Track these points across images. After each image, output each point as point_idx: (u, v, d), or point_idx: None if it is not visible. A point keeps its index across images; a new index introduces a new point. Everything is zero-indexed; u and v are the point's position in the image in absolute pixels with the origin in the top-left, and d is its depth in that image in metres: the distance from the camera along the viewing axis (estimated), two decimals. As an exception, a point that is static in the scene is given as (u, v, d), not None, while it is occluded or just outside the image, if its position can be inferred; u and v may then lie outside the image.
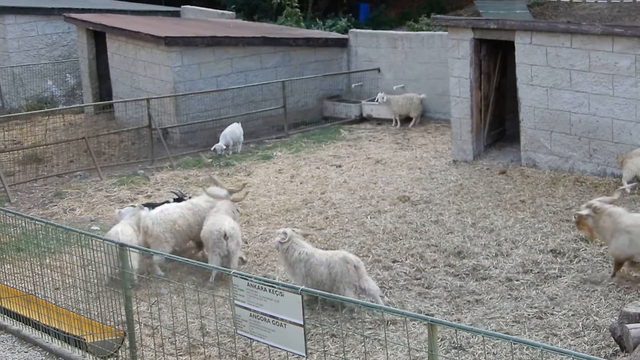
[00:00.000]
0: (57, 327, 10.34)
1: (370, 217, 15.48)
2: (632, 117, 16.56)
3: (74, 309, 10.79)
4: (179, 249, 13.76)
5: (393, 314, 10.89)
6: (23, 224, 11.33)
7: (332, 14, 40.66)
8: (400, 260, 13.32)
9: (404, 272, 12.84)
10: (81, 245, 10.12)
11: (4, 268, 12.10)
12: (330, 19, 36.76)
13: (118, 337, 9.93)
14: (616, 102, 16.76)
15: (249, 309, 8.16)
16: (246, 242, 14.52)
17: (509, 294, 11.84)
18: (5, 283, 11.81)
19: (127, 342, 9.79)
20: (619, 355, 9.53)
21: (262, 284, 8.07)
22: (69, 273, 11.08)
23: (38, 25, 29.29)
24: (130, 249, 9.77)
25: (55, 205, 17.57)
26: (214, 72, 23.21)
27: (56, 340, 10.37)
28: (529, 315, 11.11)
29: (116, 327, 9.98)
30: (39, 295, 11.07)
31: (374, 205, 16.28)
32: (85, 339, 9.92)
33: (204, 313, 11.49)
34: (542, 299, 11.58)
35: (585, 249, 13.22)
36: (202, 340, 10.63)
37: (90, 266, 10.26)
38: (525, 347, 9.97)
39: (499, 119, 20.03)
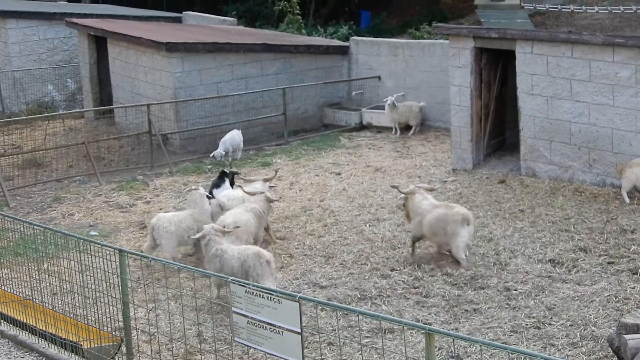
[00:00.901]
0: (54, 332, 10.33)
1: (369, 225, 15.48)
2: (632, 128, 16.56)
3: (71, 315, 10.77)
4: None
5: (391, 322, 10.87)
6: (21, 228, 11.33)
7: (334, 22, 40.68)
8: (398, 268, 13.31)
9: (402, 281, 12.82)
10: (79, 250, 10.10)
11: (2, 273, 12.07)
12: (331, 27, 36.77)
13: (115, 343, 9.92)
14: (616, 112, 16.76)
15: (247, 316, 8.15)
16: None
17: (507, 304, 11.82)
18: (3, 288, 11.80)
19: (123, 349, 9.78)
20: (616, 366, 9.52)
21: (260, 291, 8.06)
22: (67, 278, 11.06)
23: (39, 30, 29.32)
24: (128, 253, 9.77)
25: (54, 210, 17.57)
26: (215, 78, 23.22)
27: (53, 346, 10.35)
28: (526, 325, 11.09)
29: (113, 333, 9.97)
30: (37, 300, 11.05)
31: (373, 213, 16.28)
32: (82, 345, 9.90)
33: (202, 320, 11.48)
34: (540, 308, 11.56)
35: (584, 259, 13.21)
36: (199, 347, 10.62)
37: (88, 271, 10.24)
38: (522, 357, 9.92)
39: (499, 128, 20.03)
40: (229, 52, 23.49)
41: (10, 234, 11.78)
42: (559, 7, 41.47)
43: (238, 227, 13.42)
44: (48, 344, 10.39)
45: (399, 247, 14.23)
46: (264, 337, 8.01)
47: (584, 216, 15.32)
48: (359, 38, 27.47)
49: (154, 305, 11.75)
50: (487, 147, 19.57)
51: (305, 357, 7.83)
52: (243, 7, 44.35)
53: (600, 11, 40.08)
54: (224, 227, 12.95)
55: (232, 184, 16.42)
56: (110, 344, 9.89)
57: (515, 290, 12.26)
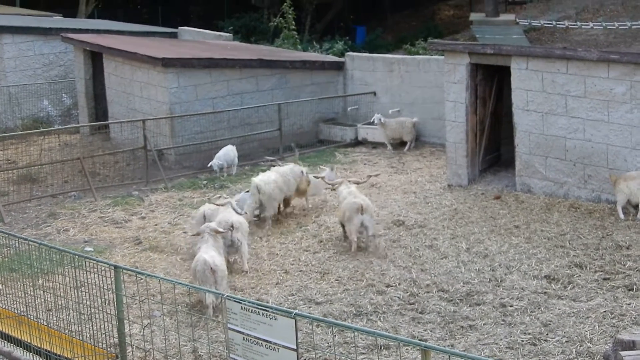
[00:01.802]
0: (48, 349, 10.28)
1: (365, 241, 15.46)
2: (627, 144, 16.59)
3: (66, 331, 10.73)
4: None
5: (386, 339, 10.84)
6: (16, 244, 11.29)
7: (329, 37, 40.80)
8: (393, 284, 13.30)
9: (398, 297, 12.81)
10: (74, 266, 10.08)
11: (-3, 288, 12.05)
12: (327, 42, 36.90)
13: (110, 359, 9.88)
14: (611, 128, 16.79)
15: (242, 333, 8.14)
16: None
17: (503, 320, 11.81)
18: (-2, 304, 11.76)
19: (119, 365, 9.75)
20: (612, 383, 9.50)
21: (256, 307, 8.05)
22: (62, 294, 11.03)
23: (35, 45, 29.31)
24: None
25: (49, 226, 17.53)
26: (210, 93, 23.23)
27: (48, 362, 10.31)
28: (522, 341, 11.08)
29: (108, 349, 9.93)
30: (31, 316, 11.01)
31: (369, 229, 16.27)
32: (76, 361, 9.86)
33: (197, 336, 11.45)
34: (535, 325, 11.55)
35: (580, 275, 13.23)
36: (194, 363, 10.59)
37: (83, 287, 10.22)
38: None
39: (494, 144, 20.04)
40: (224, 68, 23.51)
41: (5, 249, 11.75)
42: (554, 23, 41.63)
43: (232, 228, 14.04)
44: (43, 361, 10.35)
45: (394, 263, 14.22)
46: (259, 354, 7.99)
47: (579, 232, 15.33)
48: (355, 54, 27.54)
49: (149, 321, 11.72)
50: (483, 162, 19.58)
51: (300, 374, 7.82)
52: (239, 23, 44.49)
53: (594, 27, 40.24)
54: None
55: None
56: (105, 360, 9.86)
57: (511, 306, 12.25)
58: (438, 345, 10.57)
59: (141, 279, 12.49)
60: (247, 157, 22.68)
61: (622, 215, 15.83)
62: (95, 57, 26.62)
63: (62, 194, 19.96)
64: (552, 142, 17.69)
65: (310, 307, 12.61)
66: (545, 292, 12.68)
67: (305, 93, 24.97)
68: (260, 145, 23.69)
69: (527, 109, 18.01)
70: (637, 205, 15.83)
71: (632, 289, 12.57)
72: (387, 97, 24.79)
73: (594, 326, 11.35)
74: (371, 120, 23.50)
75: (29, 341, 10.59)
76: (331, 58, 27.96)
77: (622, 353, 9.15)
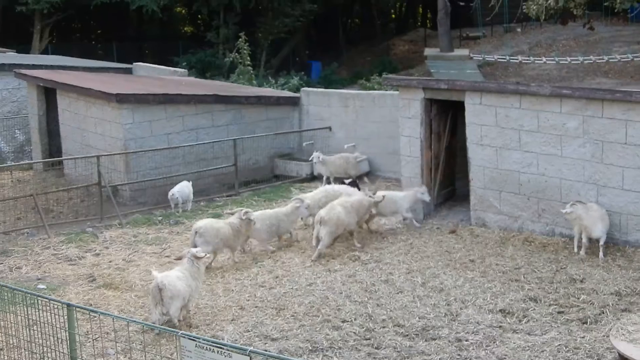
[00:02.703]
0: (-1, 389, 10.13)
1: (321, 277, 15.42)
2: (580, 178, 16.75)
3: (18, 370, 10.59)
4: None
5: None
6: (-33, 283, 11.14)
7: (285, 72, 40.95)
8: (349, 320, 13.26)
9: (354, 332, 12.77)
10: (27, 304, 9.96)
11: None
12: (282, 78, 37.06)
13: (62, 399, 9.76)
14: (564, 162, 16.95)
15: (196, 371, 8.06)
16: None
17: (459, 354, 11.81)
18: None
19: (71, 405, 9.62)
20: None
21: (210, 345, 7.99)
22: (14, 333, 10.88)
23: (-12, 81, 29.14)
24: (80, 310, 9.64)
25: (1, 264, 17.29)
26: (166, 129, 23.16)
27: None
28: (478, 375, 11.08)
29: (60, 389, 9.80)
30: (-18, 356, 10.86)
31: (324, 264, 16.24)
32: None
33: (151, 374, 11.34)
34: (491, 359, 11.57)
35: (534, 309, 13.28)
36: (148, 402, 10.47)
37: (35, 326, 10.09)
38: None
39: (449, 179, 20.16)
40: (179, 103, 23.46)
41: (-44, 288, 11.58)
42: (508, 58, 42.10)
43: (207, 256, 14.56)
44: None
45: (350, 298, 14.18)
46: (214, 392, 7.93)
47: (533, 266, 15.43)
48: (310, 89, 27.60)
49: (102, 359, 11.58)
50: (438, 197, 19.67)
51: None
52: (194, 58, 44.58)
53: (547, 62, 40.73)
54: None
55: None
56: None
57: (466, 340, 12.26)
58: (394, 380, 10.54)
59: (95, 317, 12.37)
60: (202, 193, 22.60)
61: (576, 249, 15.98)
62: (48, 93, 26.48)
63: (14, 231, 19.72)
64: (506, 177, 17.83)
65: (266, 344, 12.53)
66: (500, 326, 12.72)
67: (261, 128, 24.97)
68: (215, 180, 23.61)
69: (481, 144, 18.15)
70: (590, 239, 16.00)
71: (586, 322, 12.65)
72: (342, 132, 24.85)
73: (549, 360, 11.41)
74: (310, 159, 23.44)
75: (-21, 381, 10.44)
76: (286, 93, 28.03)
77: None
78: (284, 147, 25.50)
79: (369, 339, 12.55)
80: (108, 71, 31.77)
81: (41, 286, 15.48)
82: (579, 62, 39.49)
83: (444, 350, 11.98)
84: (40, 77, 26.34)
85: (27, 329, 10.22)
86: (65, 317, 9.39)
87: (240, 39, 34.16)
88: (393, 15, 66.57)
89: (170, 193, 20.93)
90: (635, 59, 36.55)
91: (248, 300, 14.47)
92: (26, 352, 10.59)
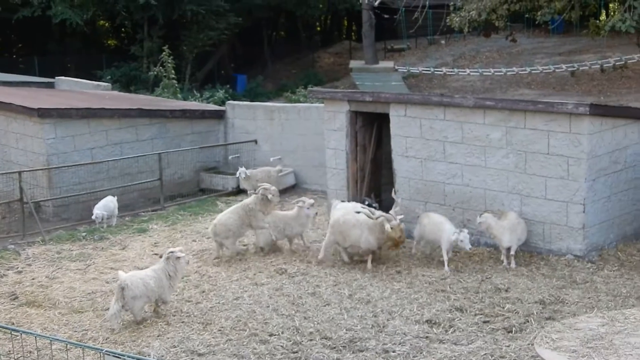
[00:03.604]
0: None
1: (247, 290, 15.34)
2: (504, 188, 16.93)
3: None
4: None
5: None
6: None
7: (210, 86, 40.81)
8: (277, 333, 13.19)
9: (281, 346, 12.70)
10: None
11: None
12: (207, 91, 36.94)
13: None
14: (488, 173, 17.12)
15: (120, 389, 7.95)
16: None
17: (386, 366, 11.82)
18: None
19: None
20: None
21: (134, 362, 7.88)
22: None
23: None
24: None
25: None
26: (89, 144, 22.89)
27: None
28: (405, 387, 11.09)
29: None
30: None
31: (251, 278, 16.15)
32: None
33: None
34: (418, 370, 11.60)
35: (460, 319, 13.35)
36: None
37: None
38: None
39: (375, 191, 20.20)
40: (103, 118, 23.21)
41: None
42: (432, 69, 42.47)
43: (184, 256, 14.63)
44: None
45: (277, 312, 14.12)
46: (138, 410, 7.82)
47: (459, 276, 15.54)
48: (235, 102, 27.54)
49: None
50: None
51: None
52: (118, 72, 44.22)
53: (471, 74, 41.17)
54: None
55: None
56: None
57: (393, 352, 12.27)
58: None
59: (16, 336, 12.15)
60: (127, 208, 22.37)
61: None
62: (-32, 109, 25.99)
63: None
64: (431, 188, 17.95)
65: (192, 359, 12.41)
66: (427, 337, 12.75)
67: (186, 142, 24.82)
68: (140, 195, 23.39)
69: (406, 155, 18.25)
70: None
71: (511, 331, 12.76)
72: (268, 145, 24.81)
73: (476, 369, 11.46)
74: (236, 175, 23.33)
75: None
76: (211, 107, 27.92)
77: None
78: (209, 161, 25.37)
79: (297, 352, 12.49)
80: (30, 85, 31.32)
81: (-40, 307, 15.15)
82: (502, 73, 39.98)
83: (371, 362, 11.99)
84: (-41, 92, 25.87)
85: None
86: (-15, 336, 9.19)
87: (164, 52, 33.95)
88: (318, 28, 66.83)
89: (94, 215, 20.61)
90: (556, 70, 37.11)
91: (174, 315, 14.32)
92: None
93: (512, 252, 16.09)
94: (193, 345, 12.90)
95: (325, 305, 14.36)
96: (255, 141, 25.07)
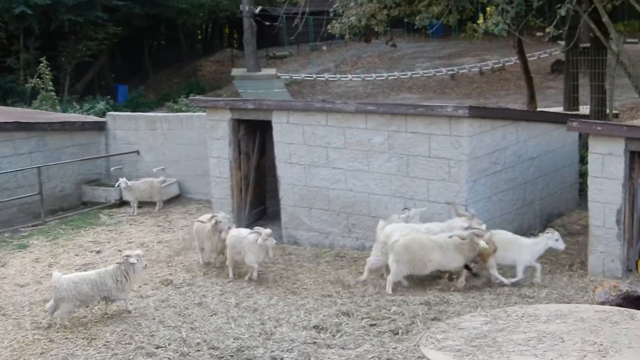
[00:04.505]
0: None
1: (133, 303, 15.10)
2: (387, 192, 17.08)
3: None
4: None
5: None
6: None
7: (90, 97, 40.20)
8: (163, 345, 13.02)
9: (168, 358, 12.54)
10: None
11: None
12: (87, 102, 36.36)
13: None
14: (372, 177, 17.25)
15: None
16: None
17: (274, 374, 11.79)
18: None
19: None
20: None
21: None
22: None
23: None
24: None
25: None
26: (-35, 159, 22.28)
27: None
28: (294, 393, 11.08)
29: None
30: None
31: (136, 290, 15.91)
32: None
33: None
34: (306, 376, 11.60)
35: (347, 323, 13.40)
36: None
37: None
38: None
39: (259, 198, 20.19)
40: (-23, 132, 22.60)
41: None
42: (315, 76, 42.75)
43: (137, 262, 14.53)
44: None
45: (164, 323, 13.96)
46: None
47: (345, 280, 15.58)
48: (116, 113, 27.11)
49: None
50: (249, 217, 19.66)
51: None
52: (-7, 85, 43.18)
53: (353, 79, 41.60)
54: None
55: None
56: None
57: (281, 359, 12.24)
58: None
59: None
60: (6, 224, 21.79)
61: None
62: None
63: None
64: (315, 194, 17.99)
65: (77, 376, 12.19)
66: (314, 342, 12.76)
67: (66, 155, 24.30)
68: (20, 210, 22.78)
69: (290, 162, 18.26)
70: None
71: (397, 333, 12.85)
72: (150, 155, 24.51)
73: (364, 373, 11.51)
74: (116, 185, 23.03)
75: None
76: (92, 118, 27.47)
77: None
78: (91, 173, 24.91)
79: (184, 363, 12.38)
80: None
81: None
82: (384, 78, 40.49)
83: (260, 370, 11.94)
84: None
85: None
86: None
87: (41, 64, 33.27)
88: (200, 36, 66.46)
89: None
90: (437, 73, 37.75)
91: (57, 332, 14.01)
92: None
93: None
94: (78, 361, 12.67)
95: (212, 315, 14.25)
96: (138, 152, 24.73)
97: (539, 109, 26.15)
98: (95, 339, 13.54)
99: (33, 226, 21.98)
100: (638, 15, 19.32)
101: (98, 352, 12.99)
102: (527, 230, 17.75)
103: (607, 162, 15.12)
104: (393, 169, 17.02)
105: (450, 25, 31.79)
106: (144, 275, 15.62)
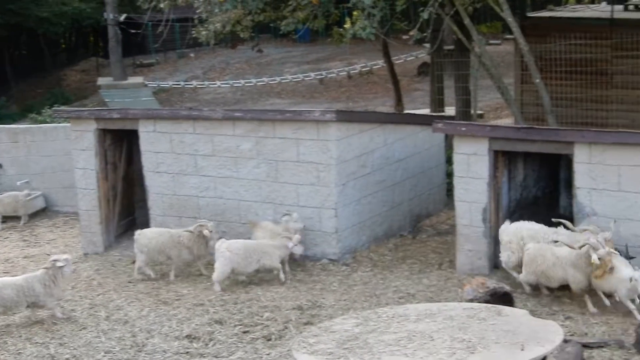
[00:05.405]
0: None
1: (-1, 320, 14.71)
2: (257, 198, 17.06)
3: None
4: None
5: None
6: None
7: (-51, 110, 39.05)
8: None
9: (36, 376, 12.26)
10: None
11: None
12: (-55, 116, 35.27)
13: None
14: (241, 184, 17.21)
15: None
16: None
17: (147, 386, 11.63)
18: None
19: None
20: None
21: None
22: None
23: None
24: None
25: None
26: None
27: None
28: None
29: None
30: None
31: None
32: None
33: None
34: (179, 387, 11.48)
35: (220, 331, 13.31)
36: None
37: None
38: None
39: (128, 209, 19.87)
40: None
41: None
42: (183, 83, 42.49)
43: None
44: None
45: (32, 340, 13.63)
46: None
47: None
48: (-24, 126, 26.36)
49: None
50: (118, 228, 19.36)
51: None
52: None
53: (222, 85, 41.45)
54: None
55: None
56: None
57: (154, 371, 12.11)
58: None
59: None
60: None
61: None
62: None
63: None
64: (184, 202, 17.84)
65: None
66: (187, 352, 12.63)
67: None
68: None
69: (158, 171, 18.06)
70: None
71: (270, 339, 12.83)
72: (14, 168, 23.86)
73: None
74: None
75: None
76: (-49, 132, 26.63)
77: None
78: (-49, 189, 24.15)
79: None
80: None
81: None
82: (253, 84, 40.49)
83: (131, 383, 11.76)
84: None
85: None
86: None
87: None
88: (63, 45, 65.24)
89: None
90: (305, 78, 37.94)
91: None
92: None
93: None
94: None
95: (81, 330, 13.95)
96: (1, 165, 24.07)
97: (406, 111, 26.55)
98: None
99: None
100: (500, 17, 19.69)
101: (-38, 373, 12.61)
102: (397, 232, 18.00)
103: (471, 162, 15.43)
104: (262, 175, 17.00)
105: (317, 30, 32.04)
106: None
